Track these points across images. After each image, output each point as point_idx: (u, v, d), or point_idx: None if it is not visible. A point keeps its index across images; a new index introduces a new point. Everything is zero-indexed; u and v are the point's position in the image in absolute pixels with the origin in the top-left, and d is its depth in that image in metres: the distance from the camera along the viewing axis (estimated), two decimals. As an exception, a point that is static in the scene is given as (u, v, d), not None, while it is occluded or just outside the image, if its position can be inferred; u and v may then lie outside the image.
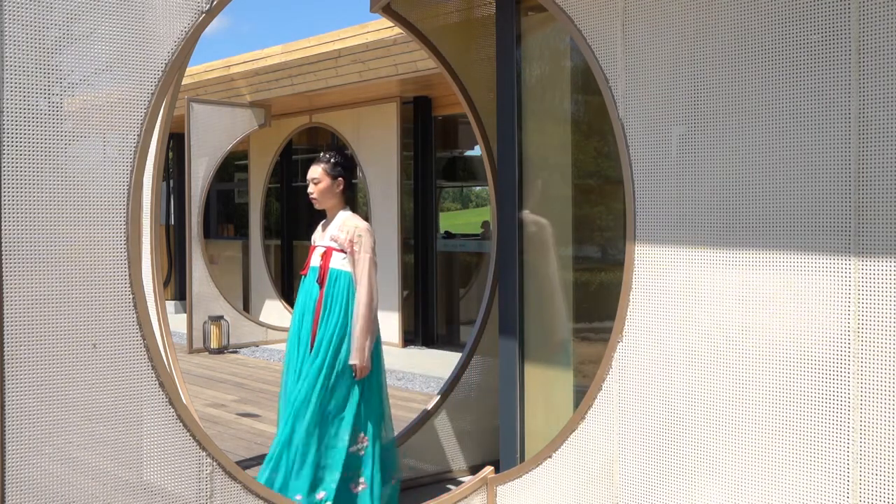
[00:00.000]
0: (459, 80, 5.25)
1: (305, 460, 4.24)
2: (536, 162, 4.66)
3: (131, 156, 3.10)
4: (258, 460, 5.63)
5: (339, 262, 4.42)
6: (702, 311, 3.34)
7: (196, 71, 11.28)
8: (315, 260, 4.49)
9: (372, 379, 4.43)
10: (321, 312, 4.37)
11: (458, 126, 11.06)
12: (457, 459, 5.31)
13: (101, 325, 3.04)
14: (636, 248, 3.60)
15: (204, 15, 3.24)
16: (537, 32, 4.67)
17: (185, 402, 3.48)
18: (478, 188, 13.31)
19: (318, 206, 4.57)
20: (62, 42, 2.94)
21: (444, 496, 4.24)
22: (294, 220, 13.02)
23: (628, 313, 3.62)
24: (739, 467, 3.22)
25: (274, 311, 12.03)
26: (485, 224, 10.75)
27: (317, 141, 12.56)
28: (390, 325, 10.56)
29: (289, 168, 12.95)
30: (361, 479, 4.35)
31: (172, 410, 3.21)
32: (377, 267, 4.50)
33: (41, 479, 2.92)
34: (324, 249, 4.47)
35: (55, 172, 2.94)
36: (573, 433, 3.83)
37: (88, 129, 3.06)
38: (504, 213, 4.70)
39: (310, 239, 4.73)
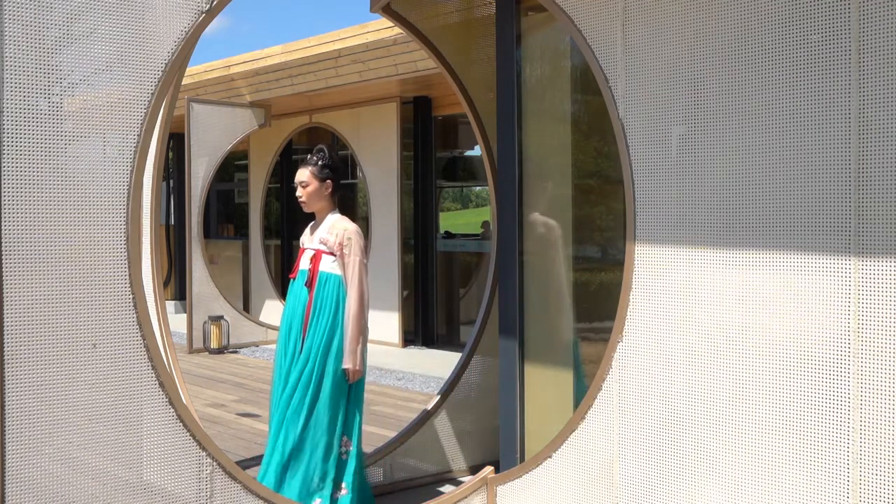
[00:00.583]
0: (459, 80, 5.25)
1: (299, 467, 4.23)
2: (536, 162, 4.66)
3: (131, 156, 3.09)
4: (258, 460, 5.62)
5: (328, 266, 4.37)
6: (702, 311, 3.34)
7: (196, 71, 11.28)
8: (304, 263, 4.44)
9: (359, 383, 4.41)
10: (310, 316, 4.33)
11: (458, 126, 11.06)
12: (457, 459, 5.31)
13: (101, 325, 3.04)
14: (636, 248, 3.60)
15: (204, 15, 3.24)
16: (537, 32, 4.67)
17: (185, 402, 3.48)
18: (478, 188, 13.31)
19: (306, 210, 4.52)
20: (62, 42, 2.94)
21: (444, 496, 4.24)
22: (294, 220, 13.02)
23: (628, 313, 3.62)
24: (739, 467, 3.22)
25: (274, 311, 12.03)
26: (485, 224, 10.75)
27: (317, 141, 12.55)
28: (390, 325, 10.56)
29: (289, 168, 12.94)
30: (343, 485, 4.34)
31: (172, 410, 3.21)
32: (367, 269, 4.44)
33: (41, 479, 2.92)
34: (313, 252, 4.43)
35: (55, 172, 2.94)
36: (573, 433, 3.83)
37: (88, 129, 3.06)
38: (504, 213, 4.69)
39: None
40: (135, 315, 3.11)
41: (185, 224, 10.57)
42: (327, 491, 4.26)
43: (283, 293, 12.26)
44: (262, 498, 3.47)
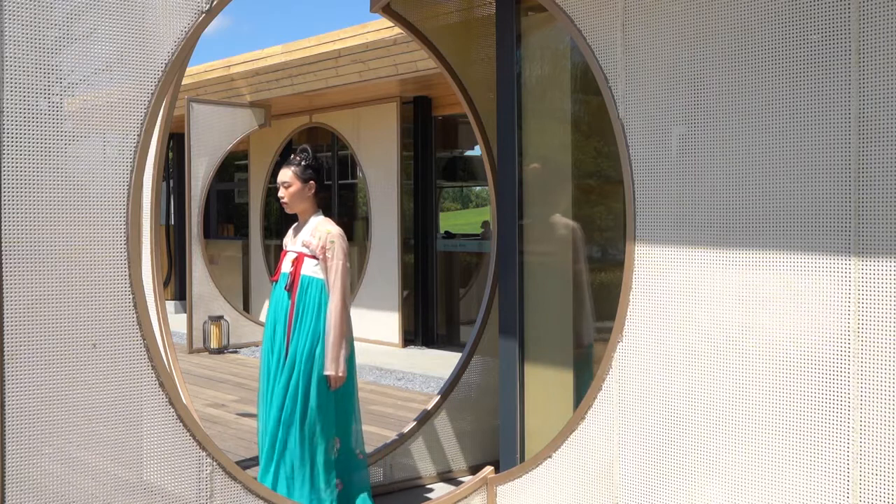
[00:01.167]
0: (459, 80, 5.25)
1: (305, 478, 4.20)
2: (536, 162, 4.66)
3: (131, 156, 3.09)
4: (258, 460, 5.64)
5: (310, 269, 4.27)
6: (702, 311, 3.34)
7: (196, 71, 11.28)
8: (286, 266, 4.35)
9: (348, 386, 4.35)
10: (293, 321, 4.25)
11: (458, 126, 11.06)
12: (457, 459, 5.31)
13: (101, 325, 3.04)
14: (636, 248, 3.60)
15: (204, 15, 3.24)
16: (537, 32, 4.67)
17: (185, 402, 3.48)
18: (478, 188, 13.31)
19: (288, 211, 4.42)
20: (62, 42, 2.94)
21: (444, 496, 4.24)
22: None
23: (628, 313, 3.62)
24: (739, 467, 3.22)
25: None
26: (485, 224, 10.75)
27: (317, 141, 12.56)
28: (390, 325, 10.56)
29: (289, 168, 12.93)
30: (337, 481, 4.31)
31: (172, 410, 3.21)
32: (350, 273, 4.34)
33: (41, 479, 2.92)
34: (295, 255, 4.35)
35: (55, 172, 2.94)
36: (573, 433, 3.83)
37: (88, 129, 3.06)
38: (504, 213, 4.69)
39: None
40: (135, 315, 3.11)
41: (185, 224, 10.57)
42: (333, 493, 4.25)
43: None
44: (262, 498, 3.48)
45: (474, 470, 5.21)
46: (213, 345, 10.49)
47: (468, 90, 5.28)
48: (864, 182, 2.87)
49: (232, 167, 14.96)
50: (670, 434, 3.45)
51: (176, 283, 14.64)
